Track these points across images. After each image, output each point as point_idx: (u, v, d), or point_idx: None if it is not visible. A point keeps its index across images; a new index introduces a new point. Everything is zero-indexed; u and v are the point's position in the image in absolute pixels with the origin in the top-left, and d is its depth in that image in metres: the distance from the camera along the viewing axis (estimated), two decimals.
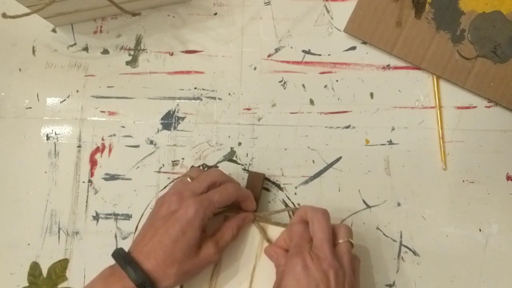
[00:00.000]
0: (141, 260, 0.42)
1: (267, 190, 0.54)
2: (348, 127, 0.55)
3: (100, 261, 0.51)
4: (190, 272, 0.44)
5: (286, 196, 0.54)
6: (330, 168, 0.54)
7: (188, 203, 0.44)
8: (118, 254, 0.43)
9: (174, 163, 0.55)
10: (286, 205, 0.53)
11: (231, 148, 0.55)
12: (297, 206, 0.53)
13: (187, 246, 0.43)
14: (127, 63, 0.57)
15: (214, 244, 0.45)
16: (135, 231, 0.53)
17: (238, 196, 0.48)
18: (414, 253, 0.52)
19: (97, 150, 0.56)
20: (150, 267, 0.42)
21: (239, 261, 0.50)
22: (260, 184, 0.52)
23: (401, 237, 0.52)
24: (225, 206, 0.48)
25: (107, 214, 0.54)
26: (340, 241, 0.45)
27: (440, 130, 0.54)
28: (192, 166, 0.54)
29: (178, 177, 0.54)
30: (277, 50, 0.57)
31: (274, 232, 0.50)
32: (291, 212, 0.52)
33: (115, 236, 0.53)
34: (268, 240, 0.49)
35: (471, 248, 0.52)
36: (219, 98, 0.56)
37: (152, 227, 0.44)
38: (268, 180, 0.54)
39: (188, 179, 0.47)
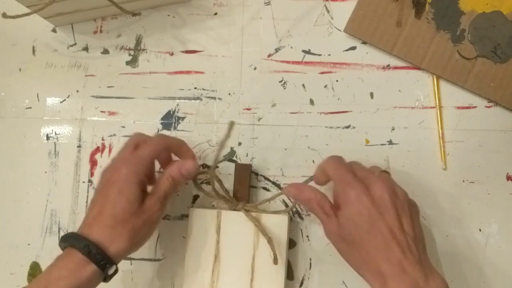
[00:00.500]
0: (85, 232, 0.42)
1: (267, 190, 0.54)
2: (348, 127, 0.55)
3: None
4: (138, 230, 0.44)
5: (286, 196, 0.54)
6: None
7: (118, 166, 0.45)
8: (63, 237, 0.43)
9: None
10: (286, 205, 0.53)
11: (231, 148, 0.55)
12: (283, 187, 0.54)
13: (126, 203, 0.43)
14: (127, 63, 0.57)
15: (152, 195, 0.45)
16: None
17: (168, 143, 0.48)
18: None
19: (97, 150, 0.56)
20: (95, 234, 0.42)
21: (238, 254, 0.50)
22: (248, 175, 0.52)
23: None
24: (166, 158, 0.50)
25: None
26: (377, 174, 0.45)
27: (440, 130, 0.54)
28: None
29: None
30: (277, 50, 0.57)
31: (268, 221, 0.50)
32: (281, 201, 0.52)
33: None
34: (263, 231, 0.49)
35: (471, 248, 0.52)
36: (219, 98, 0.56)
37: (92, 202, 0.45)
38: (268, 180, 0.54)
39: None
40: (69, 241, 0.42)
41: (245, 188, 0.52)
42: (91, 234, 0.42)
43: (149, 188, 0.47)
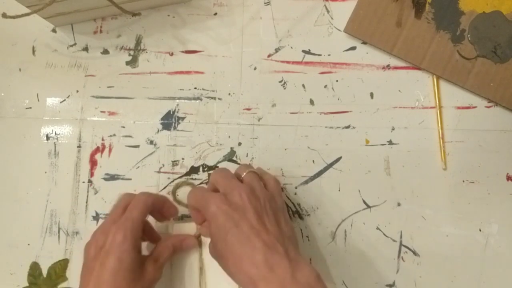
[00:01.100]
0: None
1: None
2: (348, 127, 0.55)
3: None
4: None
5: (286, 196, 0.54)
6: (330, 168, 0.54)
7: (112, 232, 0.43)
8: None
9: (174, 163, 0.55)
10: (287, 205, 0.53)
11: (231, 148, 0.55)
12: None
13: (128, 272, 0.42)
14: (127, 63, 0.57)
15: (153, 263, 0.45)
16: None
17: (153, 201, 0.47)
18: (414, 253, 0.52)
19: (97, 150, 0.56)
20: None
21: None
22: None
23: (401, 237, 0.52)
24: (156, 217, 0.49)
25: (107, 214, 0.54)
26: (243, 175, 0.46)
27: (440, 130, 0.54)
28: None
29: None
30: (277, 50, 0.57)
31: None
32: None
33: None
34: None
35: (471, 248, 0.52)
36: (219, 98, 0.56)
37: (87, 271, 0.43)
38: None
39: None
40: None
41: None
42: None
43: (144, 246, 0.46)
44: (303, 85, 0.56)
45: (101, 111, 0.56)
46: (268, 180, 0.47)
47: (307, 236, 0.53)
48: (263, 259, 0.39)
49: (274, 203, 0.44)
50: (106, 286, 0.41)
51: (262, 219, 0.42)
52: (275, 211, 0.44)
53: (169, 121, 0.56)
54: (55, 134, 0.56)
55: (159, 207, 0.48)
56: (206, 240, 0.49)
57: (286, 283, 0.38)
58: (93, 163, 0.55)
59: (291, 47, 0.57)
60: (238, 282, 0.41)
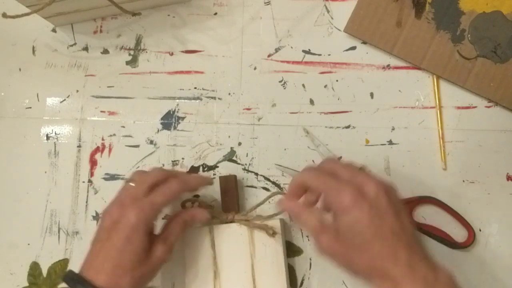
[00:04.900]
0: (91, 277, 0.41)
1: (267, 190, 0.54)
2: (348, 127, 0.55)
3: None
4: (145, 277, 0.43)
5: None
6: None
7: (128, 211, 0.43)
8: (68, 277, 0.42)
9: (174, 163, 0.55)
10: None
11: (231, 148, 0.55)
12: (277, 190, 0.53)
13: (134, 253, 0.42)
14: (127, 63, 0.57)
15: (163, 243, 0.45)
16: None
17: (185, 189, 0.46)
18: None
19: (97, 150, 0.56)
20: (101, 282, 0.41)
21: (236, 266, 0.49)
22: (234, 186, 0.52)
23: None
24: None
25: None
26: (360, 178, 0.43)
27: (440, 130, 0.54)
28: (137, 170, 0.49)
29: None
30: (277, 50, 0.57)
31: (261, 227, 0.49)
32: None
33: None
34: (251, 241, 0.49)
35: (471, 248, 0.52)
36: (219, 98, 0.56)
37: (98, 242, 0.43)
38: (268, 180, 0.54)
39: (131, 184, 0.46)
40: (77, 287, 0.41)
41: (232, 200, 0.51)
42: (98, 279, 0.41)
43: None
44: (303, 85, 0.56)
45: (101, 111, 0.56)
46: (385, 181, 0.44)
47: (307, 236, 0.53)
48: (406, 258, 0.39)
49: (400, 201, 0.43)
50: (111, 262, 0.42)
51: (400, 218, 0.41)
52: (403, 209, 0.43)
53: (169, 121, 0.56)
54: (55, 134, 0.56)
55: (194, 190, 0.48)
56: (222, 245, 0.49)
57: (429, 283, 0.38)
58: (93, 163, 0.55)
59: (291, 47, 0.57)
60: (369, 276, 0.40)
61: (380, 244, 0.39)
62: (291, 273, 0.52)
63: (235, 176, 0.53)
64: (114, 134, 0.56)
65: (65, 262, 0.53)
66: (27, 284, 0.53)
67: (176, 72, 0.57)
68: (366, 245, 0.40)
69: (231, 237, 0.50)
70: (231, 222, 0.50)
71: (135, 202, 0.44)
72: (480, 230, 0.52)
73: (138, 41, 0.58)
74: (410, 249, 0.40)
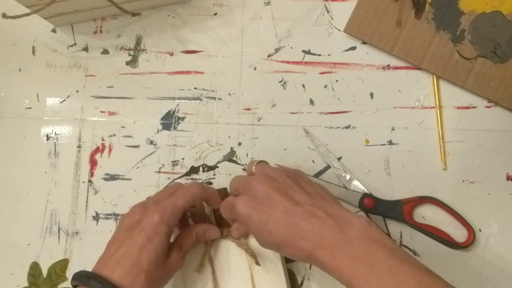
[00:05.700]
0: (106, 273, 0.40)
1: None
2: (348, 127, 0.55)
3: None
4: (159, 281, 0.43)
5: None
6: (330, 168, 0.54)
7: (151, 210, 0.43)
8: (78, 274, 0.41)
9: (174, 163, 0.55)
10: None
11: (231, 148, 0.55)
12: None
13: (154, 253, 0.42)
14: (127, 63, 0.57)
15: (178, 250, 0.45)
16: None
17: (203, 195, 0.47)
18: (414, 253, 0.52)
19: (97, 150, 0.56)
20: (116, 278, 0.40)
21: (236, 278, 0.49)
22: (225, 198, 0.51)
23: (401, 237, 0.52)
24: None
25: (107, 214, 0.54)
26: (253, 169, 0.47)
27: (440, 130, 0.54)
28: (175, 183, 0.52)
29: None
30: (277, 50, 0.57)
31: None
32: None
33: None
34: (252, 253, 0.48)
35: (471, 248, 0.52)
36: (219, 98, 0.56)
37: (116, 241, 0.43)
38: None
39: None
40: (91, 283, 0.39)
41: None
42: (113, 276, 0.40)
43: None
44: (303, 85, 0.56)
45: (101, 111, 0.56)
46: (270, 168, 0.48)
47: None
48: (310, 229, 0.39)
49: (290, 174, 0.45)
50: (129, 259, 0.41)
51: (290, 195, 0.42)
52: (295, 181, 0.44)
53: (169, 121, 0.56)
54: (55, 134, 0.56)
55: (206, 199, 0.48)
56: (219, 259, 0.49)
57: (339, 242, 0.38)
58: (93, 163, 0.55)
59: (291, 47, 0.57)
60: (302, 261, 0.42)
61: (284, 230, 0.41)
62: (292, 277, 0.52)
63: (225, 189, 0.51)
64: (114, 134, 0.56)
65: (65, 262, 0.53)
66: (27, 284, 0.53)
67: (176, 72, 0.57)
68: (278, 237, 0.41)
69: (228, 250, 0.50)
70: (225, 238, 0.50)
71: (157, 204, 0.44)
72: (480, 230, 0.52)
73: (138, 41, 0.58)
74: (311, 218, 0.40)
